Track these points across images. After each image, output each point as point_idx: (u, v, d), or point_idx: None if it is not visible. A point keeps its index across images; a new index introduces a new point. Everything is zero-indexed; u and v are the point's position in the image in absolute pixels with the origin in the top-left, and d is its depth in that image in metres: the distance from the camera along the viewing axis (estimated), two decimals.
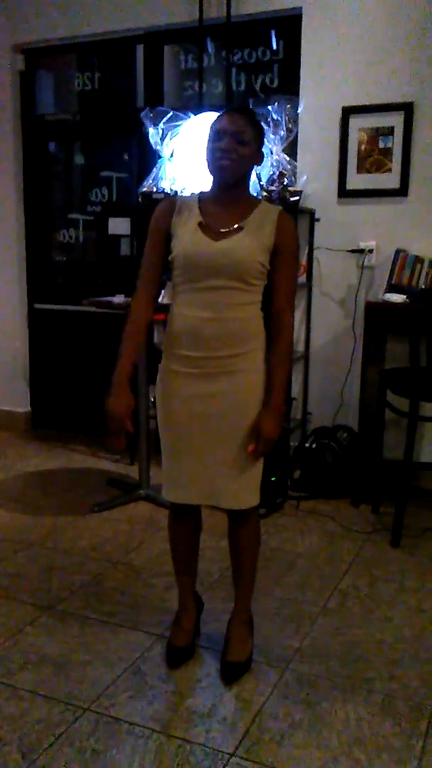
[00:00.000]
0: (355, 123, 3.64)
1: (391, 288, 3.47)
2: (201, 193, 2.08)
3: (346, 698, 2.05)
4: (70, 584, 2.70)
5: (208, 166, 1.99)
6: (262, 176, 3.47)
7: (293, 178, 3.56)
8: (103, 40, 4.29)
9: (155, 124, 3.66)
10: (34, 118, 4.65)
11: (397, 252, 3.52)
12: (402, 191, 3.60)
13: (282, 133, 3.45)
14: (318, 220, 3.77)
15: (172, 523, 2.23)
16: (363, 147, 3.65)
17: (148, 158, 4.00)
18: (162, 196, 3.59)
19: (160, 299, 2.29)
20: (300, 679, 2.13)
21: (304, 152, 3.76)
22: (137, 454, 3.79)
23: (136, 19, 4.11)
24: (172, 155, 3.74)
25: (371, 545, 3.10)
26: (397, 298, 3.35)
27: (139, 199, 3.77)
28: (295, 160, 3.69)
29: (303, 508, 3.52)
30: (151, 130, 3.69)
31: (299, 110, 3.64)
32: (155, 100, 4.17)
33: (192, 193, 2.11)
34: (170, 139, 3.69)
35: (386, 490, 3.42)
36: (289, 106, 3.44)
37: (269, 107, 3.43)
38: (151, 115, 3.67)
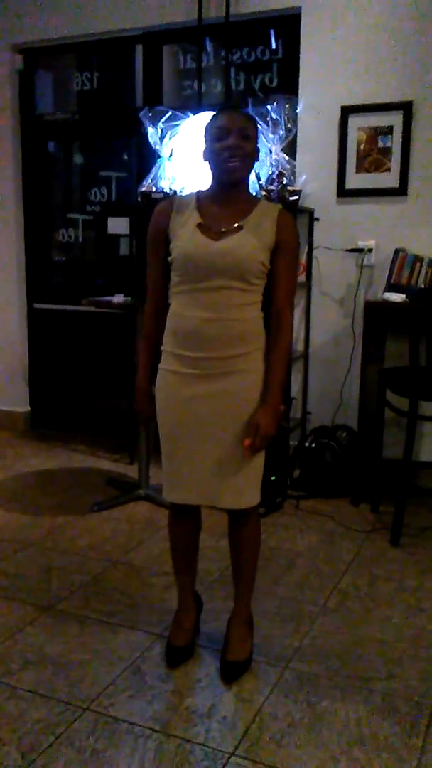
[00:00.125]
0: (355, 122, 3.64)
1: (391, 287, 3.47)
2: (199, 192, 2.07)
3: (345, 697, 2.05)
4: (70, 584, 2.70)
5: (212, 165, 1.98)
6: (261, 175, 3.47)
7: (292, 178, 3.56)
8: (102, 39, 4.29)
9: (154, 124, 3.66)
10: (33, 118, 4.65)
11: (397, 251, 3.52)
12: (401, 190, 3.60)
13: (281, 132, 3.45)
14: (317, 219, 3.77)
15: (171, 523, 2.23)
16: (362, 146, 3.65)
17: (148, 158, 4.00)
18: (161, 195, 3.59)
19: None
20: (300, 678, 2.13)
21: (303, 152, 3.77)
22: (137, 454, 3.79)
23: (135, 18, 4.11)
24: (171, 155, 3.74)
25: (371, 544, 3.10)
26: (397, 297, 3.35)
27: (139, 199, 3.76)
28: (295, 160, 3.69)
29: (302, 507, 3.52)
30: (150, 130, 3.68)
31: (298, 110, 3.64)
32: (154, 100, 4.17)
33: (190, 193, 2.10)
34: (169, 138, 3.69)
35: (386, 489, 3.42)
36: (288, 105, 3.44)
37: (268, 107, 3.43)
38: (150, 114, 3.67)
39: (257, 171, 3.45)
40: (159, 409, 2.09)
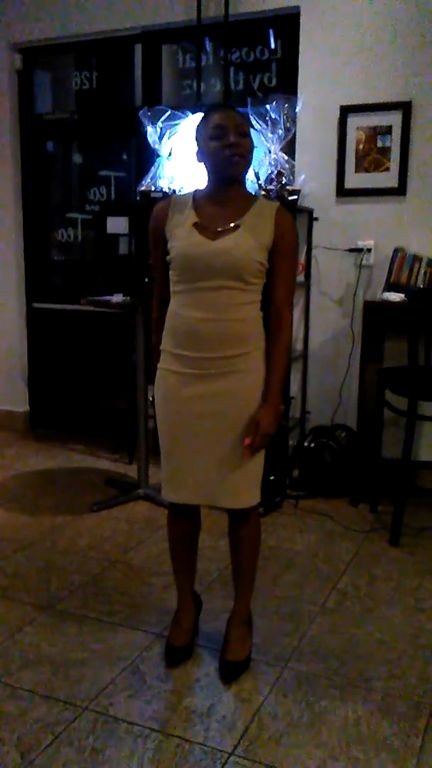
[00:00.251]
0: (354, 122, 3.64)
1: (390, 287, 3.47)
2: (196, 191, 2.06)
3: (344, 697, 2.05)
4: (69, 584, 2.70)
5: (210, 164, 1.97)
6: (260, 175, 3.47)
7: (291, 177, 3.55)
8: (101, 39, 4.29)
9: (153, 123, 3.66)
10: (32, 118, 4.64)
11: (396, 251, 3.52)
12: (400, 190, 3.60)
13: (280, 132, 3.45)
14: (316, 219, 3.77)
15: (170, 523, 2.23)
16: (361, 146, 3.65)
17: (147, 157, 4.00)
18: (160, 194, 3.59)
19: None
20: (299, 677, 2.14)
21: (302, 151, 3.76)
22: (136, 454, 3.79)
23: (134, 18, 4.10)
24: (170, 154, 3.74)
25: (370, 544, 3.10)
26: (396, 297, 3.35)
27: (138, 198, 3.77)
28: (293, 159, 3.69)
29: (301, 507, 3.52)
30: (150, 129, 3.69)
31: (297, 109, 3.63)
32: (153, 99, 4.16)
33: (187, 192, 2.10)
34: (168, 138, 3.69)
35: (385, 489, 3.42)
36: (287, 105, 3.44)
37: (267, 106, 3.43)
38: (150, 114, 3.67)
39: (256, 171, 3.45)
40: (158, 408, 2.09)
